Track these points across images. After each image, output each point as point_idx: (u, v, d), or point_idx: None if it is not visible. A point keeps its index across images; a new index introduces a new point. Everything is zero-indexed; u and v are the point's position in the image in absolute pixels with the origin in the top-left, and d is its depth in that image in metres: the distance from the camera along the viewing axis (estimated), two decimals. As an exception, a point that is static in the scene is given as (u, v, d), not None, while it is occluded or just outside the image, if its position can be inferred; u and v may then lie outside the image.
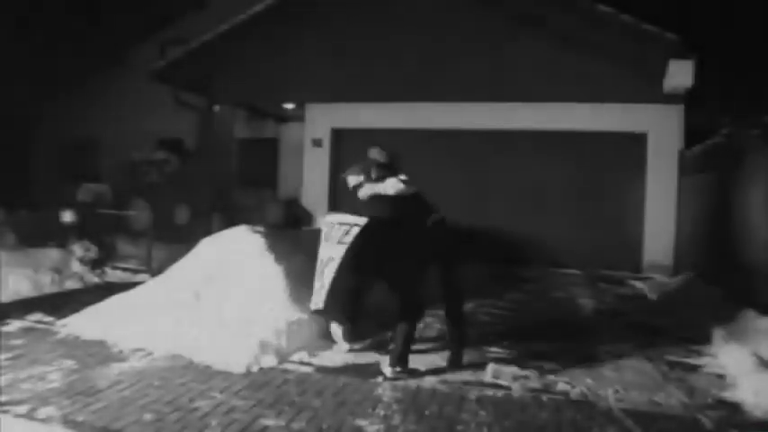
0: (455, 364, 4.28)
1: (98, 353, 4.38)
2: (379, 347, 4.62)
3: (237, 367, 4.01)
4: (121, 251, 8.40)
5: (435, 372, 4.19)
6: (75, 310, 5.31)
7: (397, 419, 3.36)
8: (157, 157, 11.78)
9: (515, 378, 4.12)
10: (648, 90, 8.90)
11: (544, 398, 3.76)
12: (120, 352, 4.40)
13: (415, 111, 10.03)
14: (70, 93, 14.02)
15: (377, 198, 4.20)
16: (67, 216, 8.57)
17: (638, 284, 8.12)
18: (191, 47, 10.84)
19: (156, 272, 6.88)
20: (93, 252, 7.45)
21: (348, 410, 3.46)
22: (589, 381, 4.09)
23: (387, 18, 9.99)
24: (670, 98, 8.93)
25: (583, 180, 9.47)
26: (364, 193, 4.28)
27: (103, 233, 8.38)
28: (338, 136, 10.69)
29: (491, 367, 4.33)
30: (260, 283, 5.01)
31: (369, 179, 4.31)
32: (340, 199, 10.48)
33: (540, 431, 3.30)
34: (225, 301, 4.86)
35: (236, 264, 5.25)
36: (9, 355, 4.23)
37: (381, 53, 9.99)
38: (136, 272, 7.59)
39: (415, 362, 4.34)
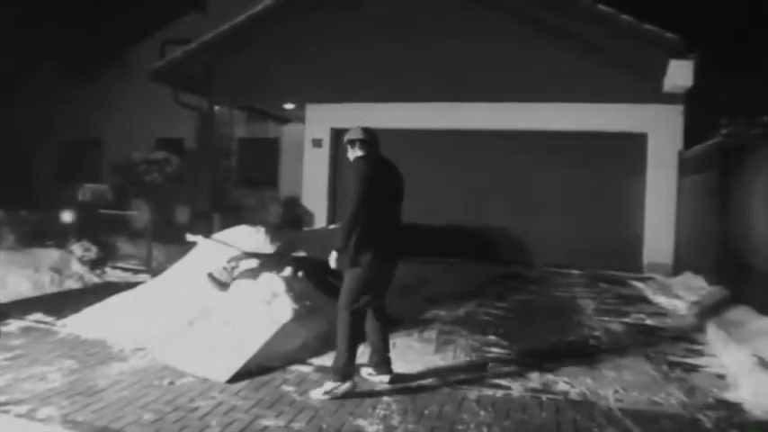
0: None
1: (98, 353, 4.38)
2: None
3: (224, 376, 3.89)
4: (121, 251, 8.40)
5: (434, 371, 4.19)
6: (76, 309, 5.31)
7: (396, 419, 3.36)
8: (157, 156, 11.78)
9: (515, 378, 4.12)
10: (648, 90, 8.90)
11: (544, 398, 3.76)
12: (121, 351, 4.41)
13: (416, 111, 10.03)
14: (71, 93, 14.01)
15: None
16: (67, 216, 8.57)
17: (639, 284, 8.12)
18: (190, 47, 10.83)
19: (155, 272, 6.89)
20: (93, 252, 7.45)
21: (348, 410, 3.46)
22: (589, 381, 4.09)
23: (387, 18, 9.99)
24: (670, 98, 8.93)
25: (583, 180, 9.46)
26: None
27: (103, 233, 8.39)
28: (338, 136, 10.68)
29: (491, 367, 4.34)
30: (258, 284, 4.99)
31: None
32: (340, 198, 10.49)
33: (540, 431, 3.30)
34: (221, 302, 4.85)
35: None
36: (9, 354, 4.23)
37: (381, 53, 9.99)
38: (136, 272, 7.60)
39: (415, 362, 4.36)
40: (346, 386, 3.70)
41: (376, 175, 3.80)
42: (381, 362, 3.95)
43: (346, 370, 3.71)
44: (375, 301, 3.92)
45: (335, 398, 3.62)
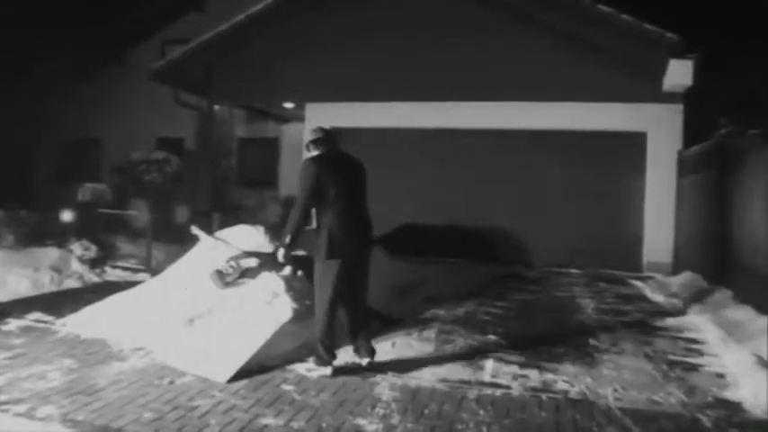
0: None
1: (98, 352, 4.38)
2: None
3: (224, 376, 3.89)
4: (121, 250, 8.40)
5: (434, 371, 4.19)
6: (75, 309, 5.31)
7: (396, 418, 3.36)
8: (157, 156, 11.78)
9: (515, 377, 4.12)
10: (648, 90, 8.91)
11: (543, 397, 3.76)
12: (121, 351, 4.40)
13: (416, 110, 10.03)
14: (71, 93, 14.02)
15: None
16: (67, 216, 8.57)
17: (639, 284, 8.12)
18: (190, 47, 10.84)
19: (155, 271, 6.89)
20: (93, 251, 7.45)
21: (347, 409, 3.46)
22: (589, 380, 4.09)
23: (387, 18, 9.99)
24: (670, 98, 8.94)
25: (583, 180, 9.46)
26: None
27: (103, 233, 8.39)
28: (338, 135, 10.68)
29: (490, 366, 4.34)
30: (257, 284, 4.99)
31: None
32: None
33: (540, 430, 3.30)
34: (221, 302, 4.85)
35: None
36: (9, 354, 4.23)
37: (381, 53, 9.99)
38: (135, 271, 7.59)
39: (414, 361, 4.37)
40: (326, 371, 4.00)
41: (321, 174, 3.98)
42: (361, 347, 4.19)
43: (326, 357, 4.03)
44: (354, 293, 4.15)
45: (312, 377, 3.93)
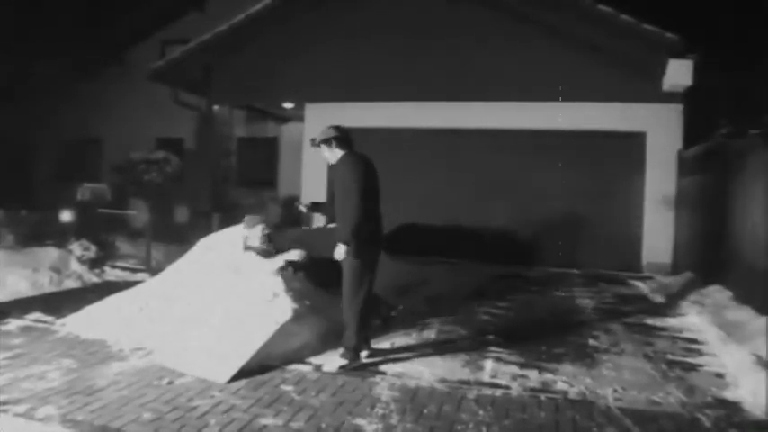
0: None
1: (97, 352, 4.38)
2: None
3: (224, 376, 3.89)
4: (120, 250, 8.40)
5: (433, 371, 4.20)
6: (75, 309, 5.31)
7: (395, 419, 3.36)
8: (157, 156, 11.78)
9: (514, 377, 4.12)
10: (648, 89, 8.90)
11: (543, 397, 3.76)
12: (120, 351, 4.41)
13: (415, 110, 10.03)
14: (71, 93, 14.03)
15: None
16: (66, 216, 8.57)
17: (638, 284, 8.12)
18: (190, 47, 10.83)
19: (154, 271, 6.89)
20: (92, 251, 7.45)
21: (347, 409, 3.46)
22: (588, 380, 4.09)
23: (386, 18, 9.99)
24: (669, 97, 8.93)
25: (582, 179, 9.45)
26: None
27: (103, 233, 8.39)
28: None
29: (490, 366, 4.34)
30: (257, 283, 4.99)
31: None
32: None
33: (539, 430, 3.30)
34: (220, 302, 4.84)
35: (232, 263, 5.23)
36: (8, 354, 4.23)
37: (381, 53, 9.99)
38: (135, 271, 7.60)
39: (413, 361, 4.37)
40: (356, 363, 4.18)
41: (363, 168, 4.14)
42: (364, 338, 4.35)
43: (358, 349, 4.21)
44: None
45: (349, 369, 4.10)
